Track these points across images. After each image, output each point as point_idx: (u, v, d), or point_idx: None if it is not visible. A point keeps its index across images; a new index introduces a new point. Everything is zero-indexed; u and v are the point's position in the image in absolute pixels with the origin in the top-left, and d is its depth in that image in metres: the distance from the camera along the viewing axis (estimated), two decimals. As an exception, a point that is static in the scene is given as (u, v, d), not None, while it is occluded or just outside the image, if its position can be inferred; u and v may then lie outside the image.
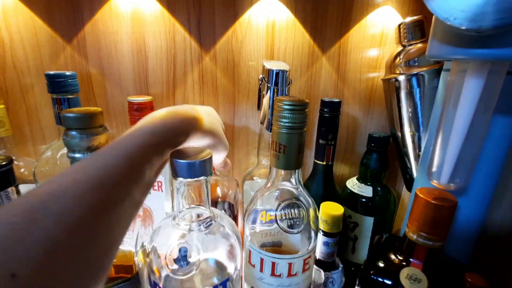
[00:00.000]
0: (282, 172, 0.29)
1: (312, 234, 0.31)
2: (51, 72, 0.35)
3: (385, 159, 0.46)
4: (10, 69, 0.42)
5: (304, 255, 0.29)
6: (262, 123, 0.43)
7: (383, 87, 0.47)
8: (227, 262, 0.29)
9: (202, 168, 0.26)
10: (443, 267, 0.29)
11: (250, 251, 0.30)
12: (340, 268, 0.39)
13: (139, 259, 0.29)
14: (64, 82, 0.35)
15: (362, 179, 0.48)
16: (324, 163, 0.45)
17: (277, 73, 0.39)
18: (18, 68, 0.42)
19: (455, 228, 0.35)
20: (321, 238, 0.38)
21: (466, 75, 0.23)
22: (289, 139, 0.27)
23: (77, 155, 0.24)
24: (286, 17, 0.44)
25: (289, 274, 0.29)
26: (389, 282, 0.29)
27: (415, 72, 0.40)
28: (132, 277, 0.27)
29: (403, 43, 0.43)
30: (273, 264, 0.29)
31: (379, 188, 0.47)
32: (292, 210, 0.29)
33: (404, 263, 0.30)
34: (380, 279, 0.30)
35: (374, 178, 0.47)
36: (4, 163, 0.26)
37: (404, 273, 0.29)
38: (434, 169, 0.28)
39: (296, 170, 0.29)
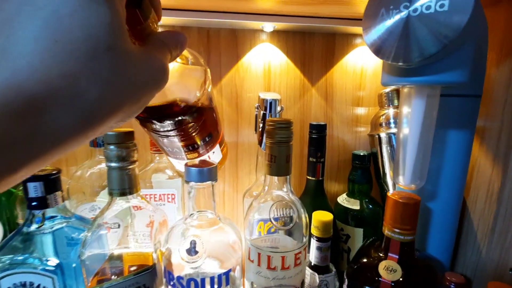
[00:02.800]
0: (275, 180, 0.36)
1: (303, 233, 0.36)
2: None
3: (369, 174, 0.52)
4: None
5: (295, 250, 0.34)
6: (259, 144, 0.50)
7: (369, 140, 0.55)
8: (229, 255, 0.34)
9: (209, 174, 0.33)
10: (416, 258, 0.34)
11: (249, 249, 0.36)
12: (333, 272, 0.43)
13: (157, 254, 0.34)
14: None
15: (350, 194, 0.54)
16: (315, 178, 0.51)
17: (270, 102, 0.47)
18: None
19: (432, 232, 0.40)
20: (314, 243, 0.43)
21: (412, 98, 0.31)
22: (278, 151, 0.34)
23: (113, 164, 0.31)
24: (279, 57, 0.54)
25: (283, 267, 0.34)
26: (370, 274, 0.34)
27: (394, 131, 0.48)
28: (151, 267, 0.33)
29: (384, 107, 0.51)
30: (269, 257, 0.34)
31: (366, 201, 0.52)
32: (284, 209, 0.35)
33: (383, 257, 0.34)
34: (362, 272, 0.34)
35: (360, 192, 0.52)
36: (54, 171, 0.33)
37: (382, 265, 0.33)
38: (398, 173, 0.34)
39: (287, 180, 0.36)
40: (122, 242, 0.35)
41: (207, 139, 0.36)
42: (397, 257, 0.33)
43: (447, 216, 0.39)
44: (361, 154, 0.52)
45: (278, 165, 0.34)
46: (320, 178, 0.51)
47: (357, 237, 0.52)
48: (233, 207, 0.58)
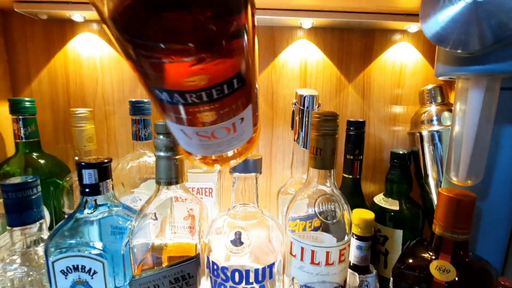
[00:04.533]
0: (319, 174, 0.35)
1: (346, 230, 0.35)
2: (134, 99, 0.46)
3: (409, 174, 0.50)
4: (99, 99, 0.53)
5: (340, 245, 0.33)
6: (295, 140, 0.50)
7: (409, 139, 0.53)
8: (272, 249, 0.34)
9: (254, 165, 0.33)
10: (470, 259, 0.32)
11: (291, 243, 0.35)
12: (374, 273, 0.42)
13: (200, 244, 0.34)
14: (143, 106, 0.45)
15: (388, 194, 0.52)
16: (352, 176, 0.50)
17: (308, 98, 0.47)
18: (105, 98, 0.53)
19: (483, 234, 0.38)
20: (354, 242, 0.42)
21: (469, 90, 0.29)
22: (324, 143, 0.33)
23: (162, 154, 0.32)
24: (316, 54, 0.53)
25: (327, 263, 0.33)
26: (420, 274, 0.32)
27: (437, 129, 0.46)
28: (195, 257, 0.33)
29: (426, 104, 0.50)
30: (313, 252, 0.33)
31: (405, 201, 0.50)
32: (328, 203, 0.34)
33: (433, 257, 0.33)
34: (411, 272, 0.33)
35: (399, 192, 0.50)
36: (106, 160, 0.34)
37: (433, 265, 0.32)
38: (453, 169, 0.32)
39: (331, 175, 0.35)
40: (161, 232, 0.35)
41: (235, 85, 0.21)
42: (449, 257, 0.32)
43: (500, 216, 0.37)
44: (401, 152, 0.50)
45: (323, 158, 0.33)
46: (357, 176, 0.50)
47: (396, 239, 0.50)
48: (267, 205, 0.58)
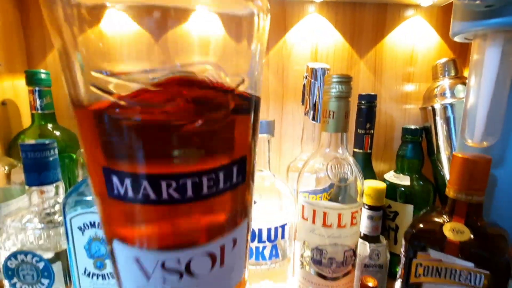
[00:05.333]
0: (331, 137, 0.35)
1: (358, 194, 0.35)
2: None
3: (420, 149, 0.50)
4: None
5: (352, 207, 0.33)
6: (306, 114, 0.50)
7: (421, 114, 0.53)
8: (284, 210, 0.34)
9: (267, 127, 0.33)
10: (484, 223, 0.31)
11: (303, 206, 0.35)
12: (385, 243, 0.42)
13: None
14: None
15: (399, 170, 0.51)
16: (363, 151, 0.50)
17: (319, 70, 0.47)
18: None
19: (498, 202, 0.37)
20: (365, 212, 0.42)
21: (486, 46, 0.29)
22: (337, 106, 0.33)
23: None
24: (327, 29, 0.53)
25: (339, 225, 0.33)
26: (433, 236, 0.32)
27: (450, 102, 0.45)
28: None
29: (439, 79, 0.49)
30: (325, 214, 0.33)
31: (417, 177, 0.49)
32: (340, 166, 0.34)
33: (447, 220, 0.32)
34: (424, 235, 0.33)
35: (410, 168, 0.50)
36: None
37: (447, 227, 0.32)
38: (467, 130, 0.32)
39: (343, 139, 0.35)
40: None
41: (234, 176, 0.16)
42: (463, 219, 0.31)
43: (516, 185, 0.36)
44: (412, 127, 0.50)
45: (337, 121, 0.33)
46: (368, 151, 0.50)
47: (406, 215, 0.49)
48: (275, 182, 0.58)
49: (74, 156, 0.52)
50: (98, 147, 0.14)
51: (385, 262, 0.41)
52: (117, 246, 0.15)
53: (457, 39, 0.33)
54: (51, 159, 0.35)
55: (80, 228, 0.32)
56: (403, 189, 0.50)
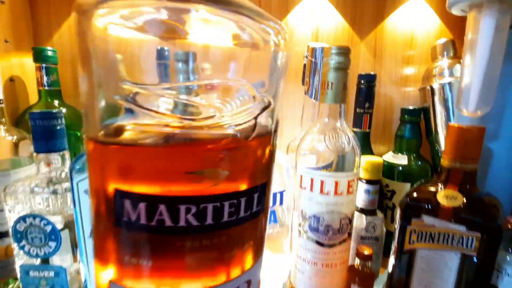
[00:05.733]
0: (329, 109, 0.36)
1: (355, 165, 0.36)
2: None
3: (418, 129, 0.50)
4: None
5: (348, 176, 0.34)
6: (306, 93, 0.51)
7: (420, 95, 0.53)
8: (283, 180, 0.35)
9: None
10: (478, 191, 0.32)
11: (301, 176, 0.36)
12: (381, 216, 0.43)
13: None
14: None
15: (398, 150, 0.52)
16: (362, 130, 0.51)
17: (319, 50, 0.48)
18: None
19: (492, 175, 0.38)
20: (362, 186, 0.43)
21: (481, 17, 0.30)
22: (336, 77, 0.34)
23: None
24: (328, 11, 0.54)
25: (336, 193, 0.34)
26: (427, 203, 0.33)
27: (448, 81, 0.46)
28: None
29: (437, 59, 0.49)
30: (322, 182, 0.34)
31: (414, 156, 0.50)
32: (338, 135, 0.35)
33: (441, 188, 0.33)
34: (418, 203, 0.34)
35: (408, 148, 0.51)
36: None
37: (441, 194, 0.33)
38: (463, 100, 0.33)
39: (341, 111, 0.36)
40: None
41: (254, 206, 0.15)
42: (457, 187, 0.32)
43: (510, 157, 0.37)
44: (411, 107, 0.50)
45: (335, 92, 0.34)
46: (367, 130, 0.51)
47: (403, 193, 0.50)
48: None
49: (79, 134, 0.53)
50: (110, 169, 0.13)
51: (381, 235, 0.42)
52: None
53: (454, 11, 0.33)
54: (58, 128, 0.37)
55: (86, 192, 0.34)
56: (400, 168, 0.50)
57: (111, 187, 0.13)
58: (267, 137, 0.15)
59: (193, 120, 0.12)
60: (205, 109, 0.13)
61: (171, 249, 0.13)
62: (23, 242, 0.36)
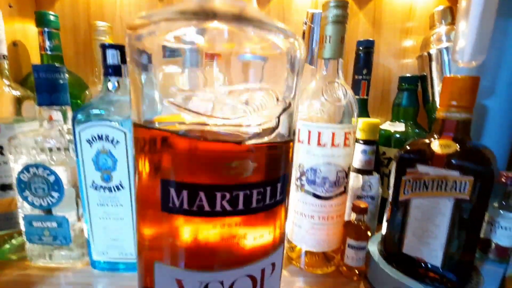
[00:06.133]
0: (328, 64, 0.36)
1: (352, 117, 0.36)
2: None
3: (416, 97, 0.51)
4: (118, 21, 0.56)
5: (344, 128, 0.35)
6: (306, 60, 0.51)
7: (418, 64, 0.54)
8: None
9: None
10: (472, 142, 0.33)
11: (299, 130, 0.37)
12: (377, 176, 0.44)
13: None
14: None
15: (395, 118, 0.53)
16: (360, 97, 0.51)
17: (318, 15, 0.48)
18: (123, 21, 0.56)
19: (488, 132, 0.39)
20: (359, 147, 0.43)
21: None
22: (333, 30, 0.35)
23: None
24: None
25: (332, 144, 0.35)
26: (422, 153, 0.33)
27: (445, 46, 0.46)
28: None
29: (435, 27, 0.50)
30: (319, 134, 0.35)
31: (411, 123, 0.51)
32: (335, 88, 0.36)
33: (436, 139, 0.34)
34: (412, 155, 0.34)
35: (406, 116, 0.51)
36: (127, 46, 0.36)
37: (435, 143, 0.33)
38: (458, 52, 0.33)
39: (339, 67, 0.36)
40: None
41: (278, 193, 0.18)
42: (452, 135, 0.33)
43: (506, 114, 0.38)
44: (409, 75, 0.51)
45: (333, 45, 0.35)
46: (365, 97, 0.51)
47: (400, 159, 0.51)
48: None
49: (80, 102, 0.54)
50: (159, 162, 0.15)
51: (377, 194, 0.43)
52: (159, 269, 0.16)
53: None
54: (61, 81, 0.37)
55: (88, 141, 0.35)
56: (398, 135, 0.51)
57: (159, 177, 0.15)
58: (288, 134, 0.17)
59: (227, 119, 0.15)
60: (237, 109, 0.15)
61: (208, 232, 0.15)
62: (27, 193, 0.37)
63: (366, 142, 0.43)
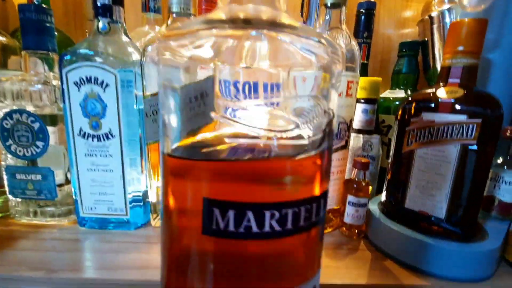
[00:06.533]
0: (330, 14, 0.35)
1: (355, 65, 0.35)
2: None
3: (416, 64, 0.50)
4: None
5: (347, 76, 0.34)
6: (304, 22, 0.50)
7: (418, 30, 0.53)
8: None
9: None
10: (478, 88, 0.32)
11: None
12: (378, 137, 0.42)
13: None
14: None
15: (395, 86, 0.52)
16: (360, 61, 0.50)
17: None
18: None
19: (493, 85, 0.38)
20: (360, 106, 0.42)
21: None
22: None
23: None
24: None
25: (335, 93, 0.34)
26: (427, 101, 0.32)
27: (447, 7, 0.45)
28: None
29: None
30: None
31: (411, 90, 0.50)
32: (338, 34, 0.34)
33: (442, 86, 0.32)
34: (418, 103, 0.33)
35: (406, 83, 0.50)
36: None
37: (441, 90, 0.32)
38: (464, -5, 0.32)
39: (341, 18, 0.35)
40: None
41: (321, 212, 0.17)
42: (458, 81, 0.32)
43: (510, 67, 0.37)
44: (409, 40, 0.50)
45: (336, -9, 0.33)
46: (365, 62, 0.50)
47: (400, 126, 0.50)
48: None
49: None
50: (200, 178, 0.14)
51: (377, 155, 0.42)
52: None
53: None
54: (48, 25, 0.35)
55: (76, 84, 0.32)
56: (397, 102, 0.50)
57: (200, 196, 0.14)
58: (330, 147, 0.16)
59: (279, 132, 0.14)
60: (286, 122, 0.14)
61: (256, 255, 0.14)
62: (10, 142, 0.35)
63: (367, 101, 0.41)
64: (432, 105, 0.32)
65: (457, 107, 0.30)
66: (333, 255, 0.33)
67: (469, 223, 0.32)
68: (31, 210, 0.37)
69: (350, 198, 0.37)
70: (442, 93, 0.32)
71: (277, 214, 0.13)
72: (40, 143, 0.35)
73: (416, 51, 0.50)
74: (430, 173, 0.32)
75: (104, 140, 0.34)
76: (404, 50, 0.50)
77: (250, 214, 0.13)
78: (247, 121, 0.13)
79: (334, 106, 0.16)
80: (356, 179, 0.37)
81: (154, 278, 0.28)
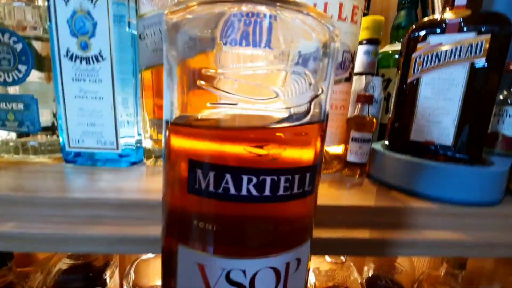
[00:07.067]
0: None
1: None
2: None
3: (416, 16, 0.49)
4: None
5: (353, 0, 0.32)
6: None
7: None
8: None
9: None
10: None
11: None
12: (381, 79, 0.41)
13: None
14: None
15: (394, 39, 0.51)
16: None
17: None
18: None
19: (498, 6, 0.37)
20: (362, 48, 0.41)
21: None
22: None
23: None
24: None
25: (339, 17, 0.32)
26: (434, 24, 0.31)
27: None
28: None
29: None
30: (326, 4, 0.32)
31: (414, 40, 0.49)
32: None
33: (448, 10, 0.32)
34: (424, 28, 0.32)
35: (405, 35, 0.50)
36: None
37: (447, 13, 0.31)
38: None
39: None
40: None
41: (306, 184, 0.17)
42: (464, 4, 0.31)
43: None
44: (410, -8, 0.49)
45: None
46: (365, 11, 0.49)
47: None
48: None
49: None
50: (186, 142, 0.15)
51: (380, 97, 0.41)
52: (182, 252, 0.16)
53: None
54: None
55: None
56: (397, 55, 0.49)
57: (186, 158, 0.15)
58: (319, 122, 0.16)
59: (259, 100, 0.14)
60: (268, 91, 0.14)
61: (232, 217, 0.15)
62: (-12, 65, 0.32)
63: (369, 41, 0.40)
64: (439, 29, 0.31)
65: (465, 25, 0.29)
66: (337, 186, 0.32)
67: (477, 149, 0.31)
68: (12, 144, 0.34)
69: (353, 134, 0.35)
70: (449, 15, 0.31)
71: (254, 180, 0.14)
72: (22, 67, 0.32)
73: (415, 3, 0.49)
74: (437, 100, 0.31)
75: (93, 62, 0.31)
76: (404, 2, 0.49)
77: (228, 177, 0.14)
78: (229, 90, 0.14)
79: (330, 84, 0.16)
80: (359, 114, 0.35)
81: (152, 197, 0.26)
